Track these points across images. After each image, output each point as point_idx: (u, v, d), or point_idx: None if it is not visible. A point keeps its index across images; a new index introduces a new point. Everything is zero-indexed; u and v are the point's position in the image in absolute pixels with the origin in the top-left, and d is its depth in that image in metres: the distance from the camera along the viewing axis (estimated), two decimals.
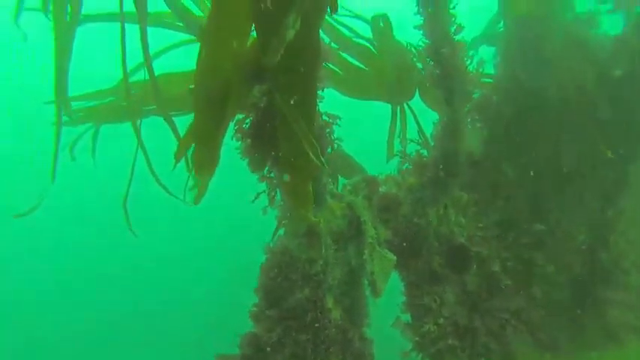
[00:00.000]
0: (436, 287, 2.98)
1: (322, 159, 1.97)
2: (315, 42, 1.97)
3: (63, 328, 17.78)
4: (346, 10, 3.76)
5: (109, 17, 3.20)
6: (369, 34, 3.83)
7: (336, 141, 2.54)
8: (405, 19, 3.05)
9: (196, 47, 3.68)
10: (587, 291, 3.25)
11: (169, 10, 3.37)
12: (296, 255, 2.49)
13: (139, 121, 3.26)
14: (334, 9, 1.76)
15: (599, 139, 3.25)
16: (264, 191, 2.55)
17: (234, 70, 2.03)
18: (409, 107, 3.93)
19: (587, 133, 3.30)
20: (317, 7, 1.74)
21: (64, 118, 3.10)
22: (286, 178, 2.18)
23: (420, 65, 3.68)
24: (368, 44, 3.81)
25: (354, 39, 3.78)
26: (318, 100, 2.18)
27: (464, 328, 2.93)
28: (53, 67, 2.56)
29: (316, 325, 2.48)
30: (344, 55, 3.72)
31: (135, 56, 2.64)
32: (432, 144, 2.99)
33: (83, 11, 2.53)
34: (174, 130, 2.78)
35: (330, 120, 2.49)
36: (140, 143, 3.02)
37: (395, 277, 2.94)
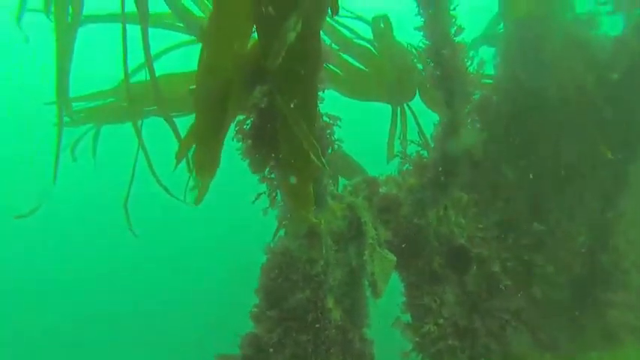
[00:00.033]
0: (436, 288, 2.99)
1: (323, 160, 1.97)
2: (316, 43, 1.97)
3: (63, 328, 17.78)
4: (347, 11, 3.77)
5: (109, 18, 3.21)
6: (370, 35, 3.84)
7: (336, 142, 2.54)
8: (406, 20, 3.06)
9: (196, 48, 3.71)
10: (587, 291, 3.26)
11: (169, 11, 3.38)
12: (297, 256, 2.49)
13: (140, 122, 3.27)
14: (335, 11, 1.77)
15: (599, 139, 3.25)
16: (265, 192, 2.56)
17: (235, 71, 2.04)
18: (409, 108, 3.94)
19: (587, 133, 3.30)
20: (318, 9, 1.75)
21: (65, 119, 3.11)
22: (288, 179, 2.18)
23: (420, 66, 3.68)
24: (368, 45, 3.81)
25: (355, 40, 3.79)
26: (318, 101, 2.19)
27: (464, 329, 2.94)
28: (54, 67, 2.57)
29: (317, 325, 2.49)
30: (344, 56, 3.73)
31: (134, 57, 2.65)
32: (432, 145, 2.99)
33: (83, 12, 2.55)
34: (175, 130, 2.79)
35: (331, 121, 2.50)
36: (141, 144, 3.03)
37: (395, 277, 2.95)
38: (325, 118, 2.47)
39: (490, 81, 3.43)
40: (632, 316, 3.30)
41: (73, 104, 3.53)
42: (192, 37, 3.75)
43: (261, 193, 2.56)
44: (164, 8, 3.29)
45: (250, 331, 2.50)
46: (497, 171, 3.24)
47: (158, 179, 3.24)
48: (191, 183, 3.71)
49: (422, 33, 2.74)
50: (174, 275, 19.35)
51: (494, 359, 2.99)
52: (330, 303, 2.59)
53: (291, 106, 2.03)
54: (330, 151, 2.54)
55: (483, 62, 2.93)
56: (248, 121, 2.35)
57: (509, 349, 2.97)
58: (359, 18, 3.87)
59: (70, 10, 2.37)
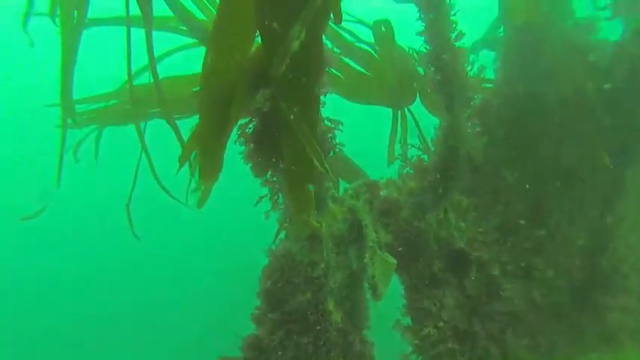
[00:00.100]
0: (436, 291, 3.00)
1: (326, 165, 1.99)
2: (319, 49, 1.99)
3: (63, 328, 17.79)
4: (348, 15, 3.79)
5: (113, 21, 3.23)
6: (371, 39, 3.86)
7: (337, 145, 2.56)
8: (407, 23, 3.08)
9: (197, 51, 3.73)
10: (586, 295, 3.27)
11: (170, 14, 3.40)
12: (298, 258, 2.51)
13: (142, 123, 3.29)
14: (339, 19, 1.79)
15: (598, 144, 3.28)
16: (267, 195, 2.58)
17: (239, 75, 2.06)
18: (410, 112, 3.96)
19: (586, 138, 3.32)
20: (321, 16, 1.77)
21: (68, 121, 3.13)
22: (290, 183, 2.20)
23: (421, 70, 3.70)
24: (369, 49, 3.84)
25: (356, 44, 3.81)
26: (320, 106, 2.21)
27: (464, 332, 2.96)
28: (59, 69, 2.59)
29: (318, 327, 2.50)
30: (345, 59, 3.75)
31: (134, 59, 2.67)
32: (433, 149, 3.01)
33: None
34: (177, 133, 2.82)
35: (332, 125, 2.52)
36: (143, 146, 3.05)
37: (395, 280, 2.97)
38: (327, 122, 2.49)
39: (490, 85, 3.45)
40: (632, 319, 3.31)
41: (75, 106, 3.56)
42: (194, 40, 3.78)
43: (263, 196, 2.59)
44: (165, 11, 3.31)
45: (251, 332, 2.52)
46: (497, 175, 3.26)
47: (160, 182, 3.25)
48: (193, 185, 3.75)
49: (423, 38, 2.76)
50: (175, 276, 19.36)
51: None
52: (330, 305, 2.61)
53: (294, 110, 2.06)
54: (331, 154, 2.56)
55: (484, 67, 2.95)
56: (250, 125, 2.37)
57: (508, 353, 2.99)
58: (360, 22, 3.90)
59: (75, 14, 2.39)
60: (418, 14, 2.72)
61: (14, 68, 20.62)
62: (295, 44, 1.60)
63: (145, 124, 3.25)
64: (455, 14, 2.71)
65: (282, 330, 2.48)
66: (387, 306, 2.76)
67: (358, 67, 3.80)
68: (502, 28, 3.71)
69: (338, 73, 3.71)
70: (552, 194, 3.29)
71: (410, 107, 3.95)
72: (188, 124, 3.37)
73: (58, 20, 2.54)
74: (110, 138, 4.14)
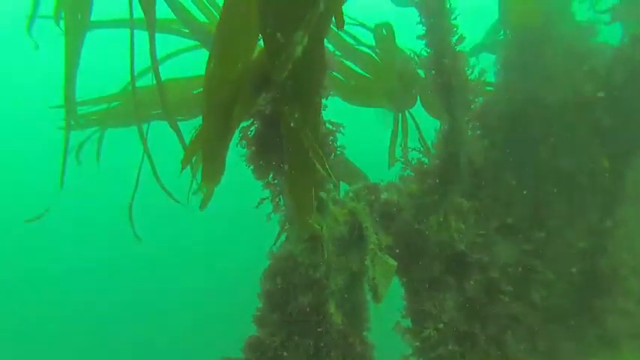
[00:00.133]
0: (436, 293, 3.02)
1: (328, 169, 2.01)
2: (321, 53, 2.01)
3: (63, 328, 17.78)
4: (349, 18, 3.81)
5: (115, 23, 3.25)
6: (372, 42, 3.88)
7: (339, 148, 2.58)
8: (407, 22, 3.09)
9: (198, 53, 3.75)
10: (586, 298, 3.29)
11: (170, 17, 3.42)
12: (299, 260, 2.52)
13: (142, 125, 3.30)
14: (341, 25, 1.80)
15: (597, 147, 3.29)
16: (268, 197, 2.60)
17: (241, 79, 2.08)
18: (411, 115, 3.98)
19: (586, 141, 3.34)
20: (323, 20, 1.79)
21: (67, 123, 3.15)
22: (292, 186, 2.21)
23: (421, 73, 3.72)
24: (370, 52, 3.85)
25: (357, 46, 3.83)
26: (322, 109, 2.23)
27: (464, 334, 2.97)
28: (63, 71, 2.61)
29: (319, 329, 2.52)
30: (346, 62, 3.77)
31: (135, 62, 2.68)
32: (433, 151, 3.03)
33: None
34: (179, 135, 2.83)
35: (334, 128, 2.54)
36: (145, 147, 3.06)
37: (395, 282, 2.98)
38: (328, 125, 2.51)
39: (491, 88, 3.47)
40: (631, 322, 3.32)
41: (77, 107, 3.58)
42: (195, 43, 3.80)
43: (265, 199, 2.60)
44: (166, 13, 3.33)
45: (253, 334, 2.54)
46: (498, 178, 3.27)
47: (162, 184, 3.27)
48: (195, 187, 3.77)
49: (423, 41, 2.78)
50: (176, 276, 19.35)
51: None
52: (331, 307, 2.62)
53: (296, 113, 2.07)
54: (332, 157, 2.57)
55: (484, 71, 2.97)
56: (252, 128, 2.39)
57: (508, 355, 3.00)
58: (361, 25, 3.92)
59: (80, 17, 2.40)
60: (419, 18, 2.74)
61: (14, 69, 20.63)
62: (298, 50, 1.62)
63: (148, 125, 3.27)
64: (455, 18, 2.73)
65: (283, 331, 2.49)
66: (388, 308, 2.77)
67: (359, 70, 3.82)
68: (502, 31, 3.73)
69: (339, 76, 3.73)
70: (552, 197, 3.31)
71: (411, 110, 3.97)
72: (189, 126, 3.40)
73: (60, 22, 2.57)
74: (111, 139, 4.17)
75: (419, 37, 2.75)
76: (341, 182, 3.61)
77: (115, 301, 18.94)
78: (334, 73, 3.66)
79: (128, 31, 3.07)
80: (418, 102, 3.90)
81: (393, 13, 4.10)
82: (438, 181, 2.97)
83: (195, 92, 3.65)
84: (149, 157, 3.10)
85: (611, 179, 3.28)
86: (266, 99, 2.28)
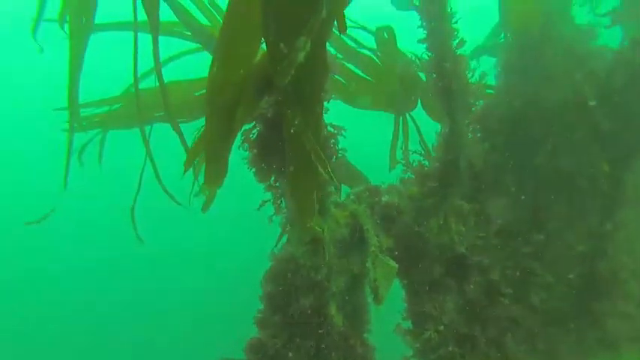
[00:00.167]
0: (437, 295, 3.03)
1: (330, 172, 2.03)
2: (323, 56, 2.03)
3: (63, 328, 17.79)
4: (350, 21, 3.83)
5: (118, 26, 3.27)
6: (373, 45, 3.90)
7: (340, 151, 2.59)
8: (408, 23, 3.11)
9: (199, 56, 3.76)
10: (585, 301, 3.30)
11: (170, 19, 3.44)
12: (301, 262, 2.54)
13: (144, 127, 3.32)
14: (343, 30, 1.82)
15: (597, 150, 3.31)
16: (269, 200, 2.62)
17: (244, 82, 2.10)
18: (411, 118, 4.00)
19: (586, 144, 3.36)
20: (326, 25, 1.81)
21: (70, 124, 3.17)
22: (293, 189, 2.23)
23: (422, 76, 3.74)
24: (372, 55, 3.87)
25: (359, 49, 3.84)
26: (323, 112, 2.25)
27: (464, 336, 2.99)
28: (66, 73, 2.62)
29: (320, 331, 2.53)
30: (348, 65, 3.79)
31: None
32: (434, 154, 3.05)
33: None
34: (181, 137, 2.85)
35: (335, 131, 2.55)
36: (147, 150, 3.08)
37: (396, 284, 3.00)
38: (330, 128, 2.52)
39: (491, 91, 3.49)
40: (631, 325, 3.33)
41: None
42: (196, 45, 3.83)
43: (266, 201, 2.62)
44: (167, 16, 3.35)
45: (254, 336, 2.55)
46: (498, 180, 3.29)
47: (164, 187, 3.28)
48: (196, 188, 3.78)
49: (424, 45, 2.80)
50: (177, 276, 19.36)
51: None
52: (332, 309, 2.63)
53: (298, 116, 2.09)
54: (334, 159, 2.59)
55: (485, 74, 2.98)
56: (254, 131, 2.41)
57: (508, 357, 3.02)
58: (363, 28, 3.94)
59: (84, 20, 2.42)
60: (420, 22, 2.76)
61: (14, 69, 20.65)
62: (301, 55, 1.63)
63: (151, 127, 3.29)
64: (456, 22, 2.75)
65: (284, 333, 2.51)
66: (388, 310, 2.79)
67: (360, 73, 3.84)
68: (502, 34, 3.75)
69: (340, 79, 3.75)
70: (552, 200, 3.33)
71: (411, 113, 3.98)
72: (190, 128, 3.42)
73: (64, 26, 2.59)
74: (111, 140, 4.19)
75: (420, 41, 2.77)
76: (342, 185, 3.63)
77: (115, 301, 18.96)
78: (336, 76, 3.68)
79: (126, 33, 3.11)
80: (419, 105, 3.92)
81: (394, 15, 4.11)
82: (438, 183, 2.99)
83: (196, 94, 3.67)
84: (151, 159, 3.12)
85: (610, 182, 3.29)
86: (268, 102, 2.29)
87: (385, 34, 3.79)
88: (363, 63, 3.80)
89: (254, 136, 2.39)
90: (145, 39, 2.55)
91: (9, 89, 21.17)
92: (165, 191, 3.33)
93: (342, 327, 2.65)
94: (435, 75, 2.80)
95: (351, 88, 3.75)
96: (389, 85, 3.80)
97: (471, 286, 3.02)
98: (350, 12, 2.34)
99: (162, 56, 3.54)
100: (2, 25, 18.39)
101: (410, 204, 3.04)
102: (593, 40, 3.59)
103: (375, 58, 3.85)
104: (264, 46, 2.00)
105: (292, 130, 2.09)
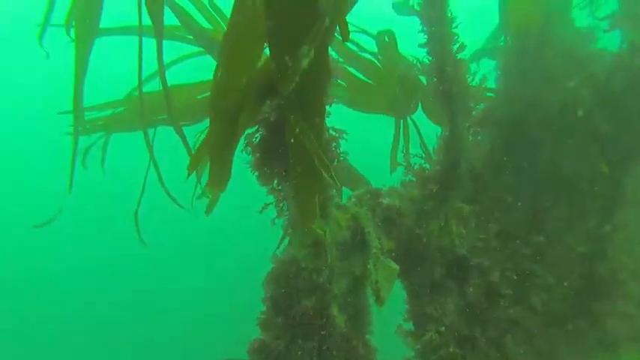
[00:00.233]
0: (438, 296, 3.06)
1: (333, 175, 2.05)
2: (325, 62, 2.06)
3: (63, 328, 17.81)
4: (352, 25, 3.85)
5: (121, 31, 3.30)
6: (374, 48, 3.92)
7: (342, 154, 2.62)
8: (409, 25, 3.13)
9: (199, 59, 3.78)
10: (585, 302, 3.33)
11: (171, 23, 3.46)
12: (303, 265, 2.56)
13: (147, 130, 3.34)
14: (346, 38, 1.85)
15: (596, 153, 3.33)
16: (272, 203, 2.64)
17: (247, 87, 2.12)
18: (412, 121, 4.02)
19: (585, 146, 3.38)
20: (328, 32, 1.83)
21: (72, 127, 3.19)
22: (296, 193, 2.25)
23: (423, 79, 3.76)
24: (373, 58, 3.90)
25: (360, 53, 3.87)
26: (325, 116, 2.27)
27: (465, 337, 3.01)
28: (70, 77, 2.65)
29: (322, 332, 2.56)
30: (349, 68, 3.81)
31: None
32: (434, 157, 3.07)
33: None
34: (184, 140, 2.87)
35: (337, 134, 2.58)
36: (150, 153, 3.11)
37: (397, 286, 3.02)
38: (331, 132, 2.55)
39: (491, 94, 3.51)
40: (631, 326, 3.36)
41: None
42: (197, 49, 3.85)
43: (269, 204, 2.65)
44: (168, 19, 3.37)
45: (258, 337, 2.58)
46: (498, 183, 3.32)
47: (166, 189, 3.31)
48: (198, 191, 3.81)
49: (425, 50, 2.83)
50: (177, 276, 19.37)
51: None
52: (334, 310, 2.66)
53: (301, 120, 2.12)
54: (335, 163, 2.61)
55: (485, 78, 3.01)
56: (257, 135, 2.43)
57: (508, 358, 3.05)
58: (364, 32, 3.96)
59: (89, 25, 2.45)
60: (420, 26, 2.78)
61: (14, 69, 20.66)
62: (304, 63, 1.66)
63: (155, 130, 3.32)
64: (456, 27, 2.77)
65: (287, 334, 2.53)
66: (390, 311, 2.82)
67: (361, 76, 3.86)
68: (502, 37, 3.77)
69: (342, 82, 3.77)
70: (552, 202, 3.35)
71: (412, 116, 4.01)
72: (192, 131, 3.44)
73: (68, 30, 2.61)
74: (112, 140, 4.20)
75: (420, 45, 2.80)
76: (344, 187, 3.66)
77: (115, 301, 18.97)
78: (337, 80, 3.70)
79: (125, 37, 3.13)
80: (420, 108, 3.95)
81: (395, 19, 4.14)
82: (439, 186, 3.01)
83: (198, 98, 3.70)
84: (154, 161, 3.15)
85: (610, 184, 3.32)
86: (271, 106, 2.32)
87: (386, 38, 3.82)
88: (364, 66, 3.83)
89: (257, 140, 2.42)
90: (145, 42, 2.57)
91: (8, 89, 21.18)
92: (168, 194, 3.35)
93: (344, 328, 2.68)
94: (435, 79, 2.82)
95: (352, 91, 3.78)
96: (390, 89, 3.83)
97: (471, 288, 3.04)
98: (351, 16, 2.37)
99: (164, 60, 3.58)
100: (2, 25, 18.41)
101: (411, 206, 3.07)
102: (592, 43, 3.62)
103: (376, 61, 3.87)
104: (266, 50, 2.03)
105: (295, 134, 2.12)
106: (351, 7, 1.98)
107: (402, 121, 4.01)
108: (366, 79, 3.85)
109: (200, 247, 19.92)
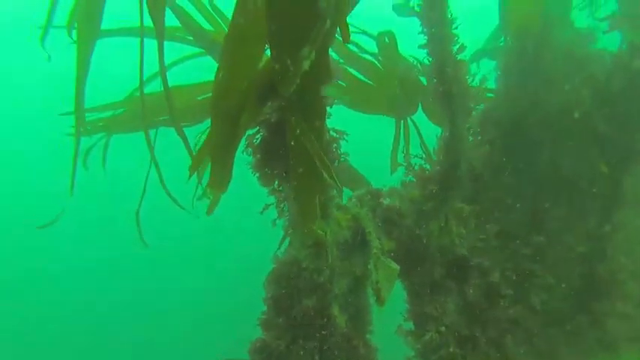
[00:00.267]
0: (438, 296, 3.07)
1: (334, 177, 2.06)
2: (326, 63, 2.07)
3: (63, 328, 17.81)
4: (352, 26, 3.86)
5: (122, 32, 3.31)
6: (375, 49, 3.94)
7: (342, 155, 2.63)
8: (409, 25, 3.14)
9: (200, 60, 3.79)
10: (585, 301, 3.34)
11: (172, 24, 3.46)
12: (304, 265, 2.57)
13: (148, 131, 3.35)
14: (347, 40, 1.86)
15: (596, 153, 3.35)
16: (273, 204, 2.65)
17: (248, 88, 2.14)
18: (412, 121, 4.03)
19: (585, 147, 3.40)
20: (329, 33, 1.84)
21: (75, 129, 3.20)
22: (297, 193, 2.26)
23: (423, 80, 3.77)
24: (373, 59, 3.91)
25: (360, 54, 3.88)
26: (326, 117, 2.28)
27: (465, 337, 3.03)
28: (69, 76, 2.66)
29: (323, 332, 2.57)
30: (349, 69, 3.82)
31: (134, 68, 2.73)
32: (435, 158, 3.08)
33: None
34: (185, 141, 2.88)
35: (337, 135, 2.59)
36: (152, 155, 3.11)
37: (398, 286, 3.03)
38: (332, 133, 2.56)
39: (491, 95, 3.53)
40: (630, 326, 3.37)
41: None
42: (197, 50, 3.86)
43: (270, 205, 2.66)
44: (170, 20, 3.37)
45: (259, 337, 2.59)
46: (498, 183, 3.33)
47: (167, 190, 3.31)
48: (199, 191, 3.81)
49: (425, 50, 2.84)
50: (177, 276, 19.38)
51: None
52: (335, 310, 2.67)
53: (301, 122, 2.13)
54: (336, 164, 2.62)
55: (485, 79, 3.02)
56: (258, 136, 2.44)
57: (508, 357, 3.06)
58: (364, 33, 3.97)
59: (91, 27, 2.46)
60: (420, 28, 2.79)
61: (14, 68, 20.67)
62: (306, 64, 1.67)
63: (157, 131, 3.33)
64: (456, 27, 2.78)
65: (288, 334, 2.54)
66: (390, 311, 2.83)
67: (362, 77, 3.87)
68: (502, 37, 3.78)
69: (342, 83, 3.78)
70: (551, 202, 3.36)
71: (412, 117, 4.02)
72: (192, 133, 3.45)
73: (70, 32, 2.62)
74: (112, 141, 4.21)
75: (420, 47, 2.81)
76: (344, 188, 3.67)
77: (115, 301, 18.98)
78: (338, 81, 3.71)
79: (124, 38, 3.13)
80: (420, 109, 3.96)
81: (395, 19, 4.15)
82: (439, 186, 3.02)
83: (199, 99, 3.71)
84: (155, 162, 3.16)
85: (609, 184, 3.33)
86: (272, 108, 2.33)
87: (386, 39, 3.83)
88: (365, 67, 3.84)
89: (258, 141, 2.43)
90: (145, 43, 2.58)
91: (8, 89, 21.19)
92: (169, 195, 3.36)
93: (344, 328, 2.69)
94: (435, 80, 2.83)
95: (352, 92, 3.79)
96: (390, 89, 3.84)
97: (472, 289, 3.05)
98: (351, 16, 2.38)
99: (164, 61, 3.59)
100: (2, 25, 18.41)
101: (411, 207, 3.08)
102: (592, 44, 3.63)
103: (376, 62, 3.88)
104: (267, 52, 2.04)
105: (295, 135, 2.13)
106: (352, 8, 1.99)
107: (402, 121, 4.02)
108: (366, 80, 3.87)
109: (200, 247, 19.92)
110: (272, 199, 2.65)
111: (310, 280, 2.60)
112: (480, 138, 3.39)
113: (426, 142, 3.87)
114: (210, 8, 3.55)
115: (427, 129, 3.80)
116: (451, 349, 2.96)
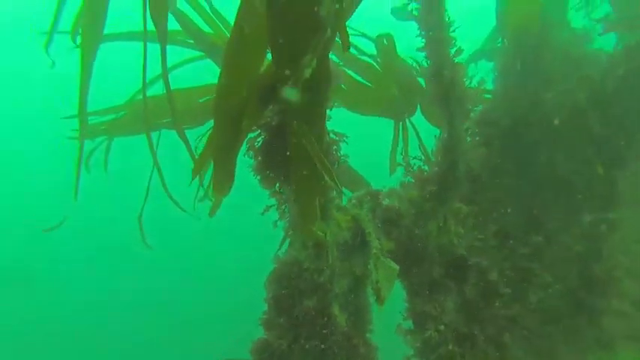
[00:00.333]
0: (437, 295, 3.11)
1: (335, 179, 2.10)
2: (326, 67, 2.10)
3: (63, 328, 17.83)
4: (351, 28, 3.89)
5: (124, 36, 3.34)
6: (373, 51, 3.97)
7: (342, 157, 2.66)
8: (407, 30, 3.17)
9: (200, 64, 3.81)
10: (582, 300, 3.38)
11: (173, 28, 3.49)
12: (305, 265, 2.61)
13: (150, 134, 3.38)
14: (347, 49, 1.89)
15: (591, 152, 3.38)
16: (274, 205, 2.69)
17: (250, 92, 2.17)
18: (411, 123, 4.06)
19: (581, 146, 3.43)
20: (329, 40, 1.88)
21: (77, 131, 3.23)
22: (298, 196, 2.30)
23: (422, 82, 3.81)
24: (371, 61, 3.94)
25: (358, 56, 3.91)
26: (326, 120, 2.32)
27: (463, 335, 3.06)
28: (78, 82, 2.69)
29: (324, 331, 2.60)
30: (348, 71, 3.85)
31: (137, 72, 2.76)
32: (433, 159, 3.12)
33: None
34: (187, 143, 2.92)
35: (337, 137, 2.63)
36: (154, 157, 3.14)
37: (397, 285, 3.06)
38: (332, 135, 2.59)
39: (489, 96, 3.56)
40: (627, 324, 3.41)
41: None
42: (198, 54, 3.89)
43: (271, 206, 2.69)
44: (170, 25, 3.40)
45: (260, 337, 2.63)
46: (496, 183, 3.37)
47: (169, 193, 3.34)
48: (200, 193, 3.84)
49: (423, 53, 2.87)
50: (177, 276, 19.39)
51: None
52: (336, 310, 2.70)
53: (302, 125, 2.16)
54: (336, 165, 2.66)
55: (483, 81, 3.06)
56: (259, 139, 2.48)
57: (507, 356, 3.09)
58: (363, 35, 4.00)
59: (95, 31, 2.49)
60: (418, 31, 2.83)
61: (14, 68, 20.66)
62: (307, 72, 1.71)
63: (160, 134, 3.37)
64: (454, 30, 2.82)
65: (290, 334, 2.58)
66: (390, 310, 2.86)
67: (360, 79, 3.90)
68: (500, 38, 3.81)
69: (341, 85, 3.81)
70: (549, 201, 3.40)
71: (411, 118, 4.05)
72: (192, 135, 3.48)
73: (74, 37, 2.65)
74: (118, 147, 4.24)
75: (419, 49, 2.84)
76: (344, 189, 3.70)
77: (116, 301, 19.00)
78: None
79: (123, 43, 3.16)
80: (418, 110, 3.99)
81: (394, 20, 4.18)
82: (437, 187, 3.06)
83: (200, 101, 3.74)
84: (157, 164, 3.19)
85: (605, 184, 3.37)
86: (273, 111, 2.36)
87: (385, 41, 3.86)
88: (363, 69, 3.87)
89: (259, 144, 2.46)
90: (144, 46, 2.61)
91: (8, 89, 21.18)
92: (171, 197, 3.39)
93: (345, 327, 2.72)
94: (433, 82, 2.87)
95: (351, 94, 3.82)
96: (388, 91, 3.87)
97: (470, 288, 3.09)
98: (350, 19, 2.41)
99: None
100: (2, 25, 18.40)
101: (410, 207, 3.11)
102: (588, 44, 3.66)
103: (374, 64, 3.91)
104: (269, 55, 2.08)
105: (296, 138, 2.16)
106: (351, 14, 2.03)
107: (400, 123, 4.05)
108: (365, 82, 3.90)
109: (200, 248, 19.94)
110: (273, 201, 2.68)
111: (311, 280, 2.64)
112: (477, 139, 3.43)
113: (425, 143, 3.90)
114: (210, 12, 3.58)
115: (426, 130, 3.83)
116: (450, 348, 2.99)
